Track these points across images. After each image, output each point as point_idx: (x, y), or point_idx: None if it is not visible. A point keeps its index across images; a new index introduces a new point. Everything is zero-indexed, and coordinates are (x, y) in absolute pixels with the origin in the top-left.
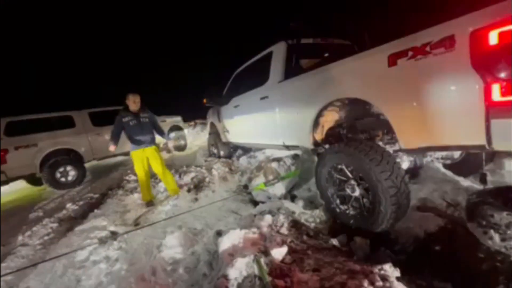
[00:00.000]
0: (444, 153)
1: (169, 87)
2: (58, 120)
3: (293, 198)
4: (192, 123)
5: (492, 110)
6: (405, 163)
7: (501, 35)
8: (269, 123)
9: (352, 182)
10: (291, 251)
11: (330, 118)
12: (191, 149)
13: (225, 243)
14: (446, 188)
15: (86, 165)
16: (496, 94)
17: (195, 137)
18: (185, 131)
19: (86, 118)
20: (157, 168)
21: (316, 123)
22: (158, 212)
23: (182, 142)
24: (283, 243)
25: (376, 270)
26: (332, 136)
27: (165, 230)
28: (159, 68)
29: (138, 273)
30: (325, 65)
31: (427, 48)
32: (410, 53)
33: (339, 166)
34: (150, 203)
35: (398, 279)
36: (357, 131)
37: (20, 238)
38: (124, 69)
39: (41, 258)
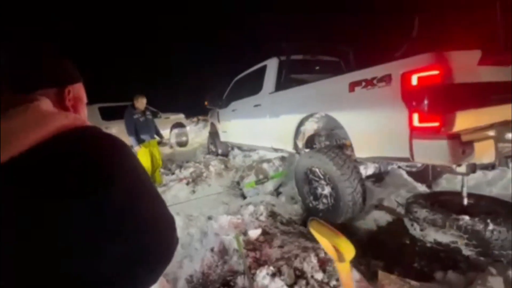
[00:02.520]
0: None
1: (174, 84)
2: None
3: (278, 195)
4: (195, 119)
5: (413, 132)
6: (370, 168)
7: (419, 78)
8: (260, 128)
9: (323, 182)
10: (264, 233)
11: (310, 127)
12: (192, 146)
13: (214, 225)
14: (402, 191)
15: None
16: (416, 120)
17: (197, 133)
18: (187, 127)
19: (96, 113)
20: (159, 160)
21: (298, 131)
22: None
23: (184, 139)
24: (259, 227)
25: (322, 246)
26: (312, 142)
27: None
28: (166, 66)
29: None
30: (309, 82)
31: (374, 81)
32: (363, 83)
33: (313, 168)
34: None
35: None
36: (333, 140)
37: None
38: (130, 66)
39: None
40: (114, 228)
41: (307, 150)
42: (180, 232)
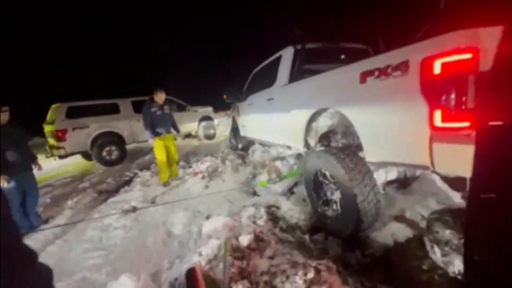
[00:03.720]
0: None
1: (210, 78)
2: (106, 107)
3: (292, 194)
4: (229, 112)
5: (434, 134)
6: (392, 172)
7: (443, 65)
8: (273, 123)
9: (332, 186)
10: (258, 240)
11: (324, 123)
12: (219, 138)
13: (207, 226)
14: (431, 201)
15: (127, 147)
16: (438, 119)
17: (227, 126)
18: (215, 121)
19: (129, 106)
20: (175, 154)
21: (309, 127)
22: (173, 194)
23: (211, 132)
24: (253, 232)
25: (313, 264)
26: (328, 140)
27: (174, 210)
28: (201, 59)
29: (143, 241)
30: (319, 73)
31: (389, 70)
32: (376, 73)
33: (322, 170)
34: (166, 183)
35: (329, 270)
36: (351, 138)
37: (69, 202)
38: (166, 60)
39: (80, 219)
40: None
41: (321, 148)
42: (182, 229)
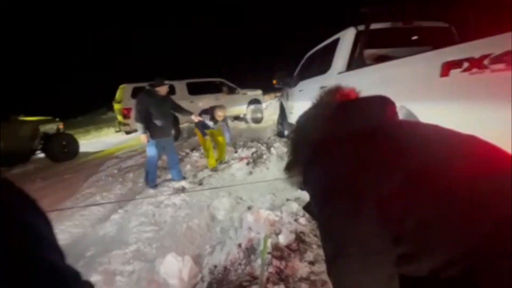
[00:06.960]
0: None
1: (265, 57)
2: None
3: None
4: (278, 94)
5: None
6: None
7: None
8: None
9: None
10: (299, 240)
11: None
12: (267, 122)
13: (248, 218)
14: None
15: (181, 126)
16: None
17: (275, 110)
18: (263, 104)
19: (184, 87)
20: (221, 139)
21: None
22: (219, 177)
23: (259, 115)
24: (294, 231)
25: None
26: None
27: (218, 194)
28: (262, 44)
29: (189, 222)
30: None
31: (486, 62)
32: (465, 64)
33: None
34: (214, 169)
35: None
36: None
37: (131, 175)
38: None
39: (139, 193)
40: None
41: None
42: (224, 215)
